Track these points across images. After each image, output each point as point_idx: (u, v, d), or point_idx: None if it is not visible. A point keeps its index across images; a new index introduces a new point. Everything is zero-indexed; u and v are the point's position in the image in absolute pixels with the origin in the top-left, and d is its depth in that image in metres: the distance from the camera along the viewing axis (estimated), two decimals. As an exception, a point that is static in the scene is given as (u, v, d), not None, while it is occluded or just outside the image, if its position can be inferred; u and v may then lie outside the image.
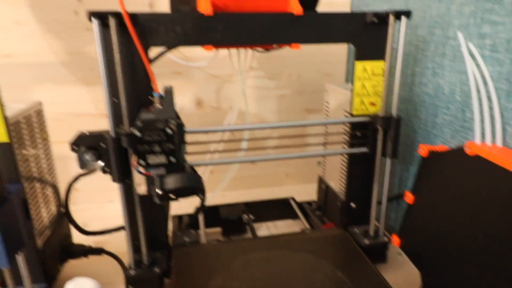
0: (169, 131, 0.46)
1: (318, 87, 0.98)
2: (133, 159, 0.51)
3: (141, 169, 0.49)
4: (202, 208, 0.74)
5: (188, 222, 0.78)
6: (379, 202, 0.67)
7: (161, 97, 0.51)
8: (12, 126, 0.51)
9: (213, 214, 0.81)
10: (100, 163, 0.56)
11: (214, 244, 0.64)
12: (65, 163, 0.79)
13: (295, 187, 1.07)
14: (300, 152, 0.65)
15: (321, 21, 0.57)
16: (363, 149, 0.64)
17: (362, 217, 0.71)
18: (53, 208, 0.65)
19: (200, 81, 0.93)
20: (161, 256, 0.63)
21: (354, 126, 0.65)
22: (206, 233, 0.76)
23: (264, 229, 0.85)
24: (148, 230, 0.60)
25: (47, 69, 0.85)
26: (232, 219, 0.80)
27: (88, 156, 0.54)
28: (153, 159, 0.47)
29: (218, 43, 0.56)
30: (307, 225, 0.79)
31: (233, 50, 0.76)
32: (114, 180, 0.55)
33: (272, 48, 0.72)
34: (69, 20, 0.83)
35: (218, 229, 0.83)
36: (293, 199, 0.88)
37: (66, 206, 0.67)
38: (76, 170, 0.93)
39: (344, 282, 0.54)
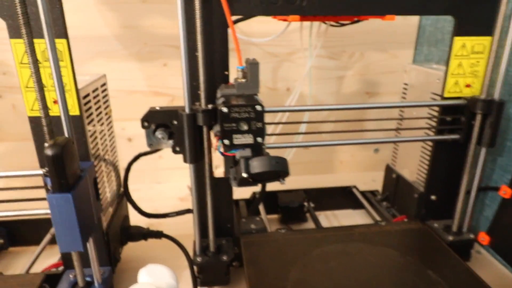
0: (258, 107, 0.41)
1: (381, 69, 0.91)
2: (214, 138, 0.46)
3: (223, 150, 0.45)
4: (263, 194, 0.70)
5: (245, 208, 0.74)
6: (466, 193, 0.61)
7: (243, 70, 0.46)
8: (83, 99, 0.48)
9: (271, 200, 0.77)
10: (171, 142, 0.52)
11: (284, 233, 0.59)
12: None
13: (350, 174, 1.01)
14: (368, 138, 0.59)
15: (421, -12, 0.50)
16: (454, 136, 0.58)
17: (442, 211, 0.64)
18: (114, 188, 0.62)
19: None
20: (226, 243, 0.59)
21: (445, 110, 0.58)
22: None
23: (323, 218, 0.80)
24: (215, 216, 0.56)
25: (99, 42, 0.81)
26: (292, 207, 0.75)
27: (159, 134, 0.50)
28: (239, 139, 0.42)
29: (305, 13, 0.50)
30: (377, 217, 0.73)
31: (305, 24, 0.70)
32: (186, 160, 0.51)
33: (350, 22, 0.65)
34: (125, -9, 0.78)
35: (275, 216, 0.79)
36: (356, 187, 0.82)
37: (125, 186, 0.63)
38: (126, 149, 0.90)
39: (439, 283, 0.49)
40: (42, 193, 0.49)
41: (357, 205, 0.81)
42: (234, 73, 0.50)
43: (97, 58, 0.82)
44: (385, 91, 0.93)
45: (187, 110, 0.48)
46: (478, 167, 0.58)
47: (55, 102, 0.45)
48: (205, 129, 0.49)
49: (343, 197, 0.81)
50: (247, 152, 0.43)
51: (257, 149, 0.45)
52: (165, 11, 0.81)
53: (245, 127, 0.42)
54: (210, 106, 0.48)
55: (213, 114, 0.48)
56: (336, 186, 0.82)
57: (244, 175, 0.42)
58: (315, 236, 0.59)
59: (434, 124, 0.60)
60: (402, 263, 0.52)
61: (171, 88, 0.87)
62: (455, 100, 0.56)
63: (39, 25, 0.39)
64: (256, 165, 0.42)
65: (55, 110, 0.45)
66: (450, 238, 0.60)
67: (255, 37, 0.78)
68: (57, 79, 0.40)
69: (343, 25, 0.67)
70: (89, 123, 0.49)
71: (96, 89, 0.53)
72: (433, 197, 0.64)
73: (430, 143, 0.62)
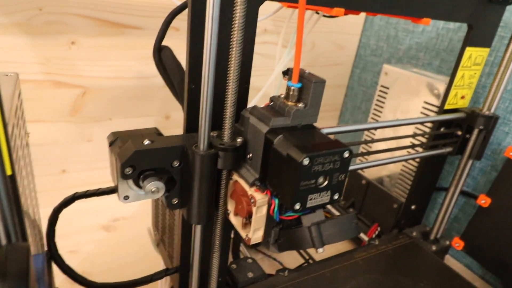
0: (346, 154, 0.28)
1: (329, 61, 0.85)
2: (251, 190, 0.30)
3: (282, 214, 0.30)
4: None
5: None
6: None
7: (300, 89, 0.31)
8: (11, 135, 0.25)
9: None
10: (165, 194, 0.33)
11: (288, 277, 0.48)
12: None
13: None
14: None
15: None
16: (447, 149, 0.56)
17: (418, 218, 0.65)
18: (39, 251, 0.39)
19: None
20: (220, 305, 0.45)
21: (442, 123, 0.55)
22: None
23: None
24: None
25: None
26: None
27: (151, 186, 0.31)
28: (314, 200, 0.28)
29: (350, 7, 0.37)
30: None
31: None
32: (190, 220, 0.34)
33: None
34: None
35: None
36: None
37: (50, 246, 0.41)
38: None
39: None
40: None
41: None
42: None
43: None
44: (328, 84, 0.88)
45: (202, 147, 0.31)
46: (462, 178, 0.58)
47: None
48: (224, 174, 0.33)
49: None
50: (320, 215, 0.30)
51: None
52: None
53: (324, 183, 0.28)
54: (239, 140, 0.32)
55: (242, 152, 0.32)
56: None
57: (320, 250, 0.29)
58: (324, 275, 0.50)
59: (421, 137, 0.58)
60: (421, 294, 0.49)
61: (82, 77, 0.61)
62: (454, 113, 0.54)
63: None
64: (336, 234, 0.30)
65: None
66: (434, 248, 0.60)
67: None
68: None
69: (333, 16, 0.57)
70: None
71: (16, 108, 0.29)
72: (413, 207, 0.63)
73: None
